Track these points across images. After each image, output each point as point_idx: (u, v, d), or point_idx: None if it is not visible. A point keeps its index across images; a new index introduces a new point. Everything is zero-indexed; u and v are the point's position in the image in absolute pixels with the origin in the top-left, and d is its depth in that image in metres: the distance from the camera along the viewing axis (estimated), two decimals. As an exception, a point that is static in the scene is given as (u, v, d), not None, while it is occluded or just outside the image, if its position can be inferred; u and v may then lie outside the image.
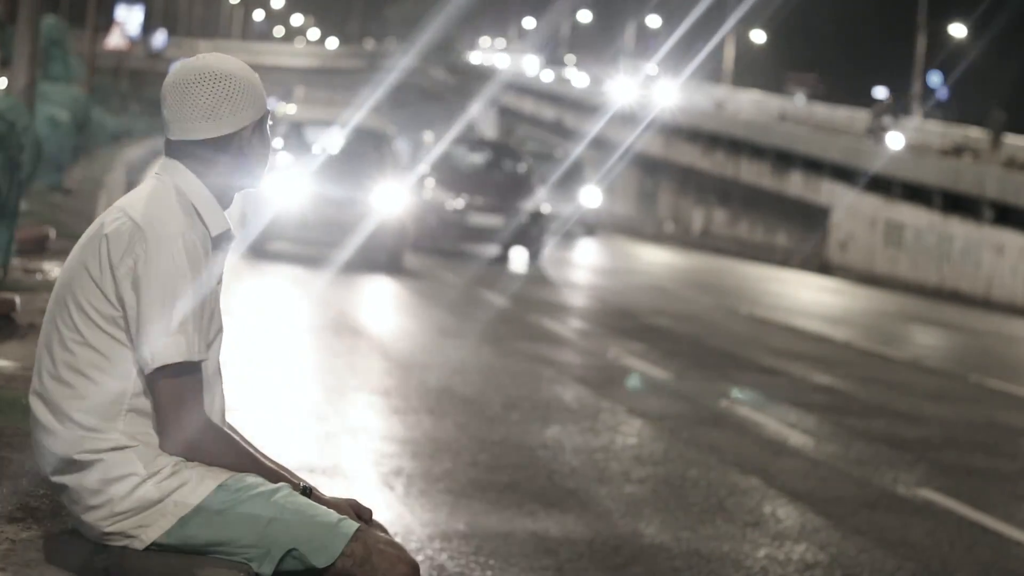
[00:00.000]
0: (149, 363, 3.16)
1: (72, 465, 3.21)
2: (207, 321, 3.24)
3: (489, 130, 73.93)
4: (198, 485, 3.20)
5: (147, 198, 3.26)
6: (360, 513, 3.35)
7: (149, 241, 3.16)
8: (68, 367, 3.22)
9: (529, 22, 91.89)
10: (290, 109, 24.31)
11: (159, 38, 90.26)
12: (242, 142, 3.30)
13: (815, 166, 41.90)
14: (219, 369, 3.38)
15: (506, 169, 28.53)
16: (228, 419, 3.48)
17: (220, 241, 3.31)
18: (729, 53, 65.83)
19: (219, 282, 3.33)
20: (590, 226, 38.20)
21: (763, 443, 10.36)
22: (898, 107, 43.38)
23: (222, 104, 3.27)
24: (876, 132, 40.77)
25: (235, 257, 15.68)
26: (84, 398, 3.20)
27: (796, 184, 43.09)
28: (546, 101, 64.82)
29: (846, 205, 39.93)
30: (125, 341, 3.20)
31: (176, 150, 3.31)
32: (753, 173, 45.71)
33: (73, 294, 3.23)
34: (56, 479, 3.26)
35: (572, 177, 36.98)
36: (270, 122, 3.38)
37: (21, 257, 10.48)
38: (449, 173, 27.48)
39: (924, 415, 12.64)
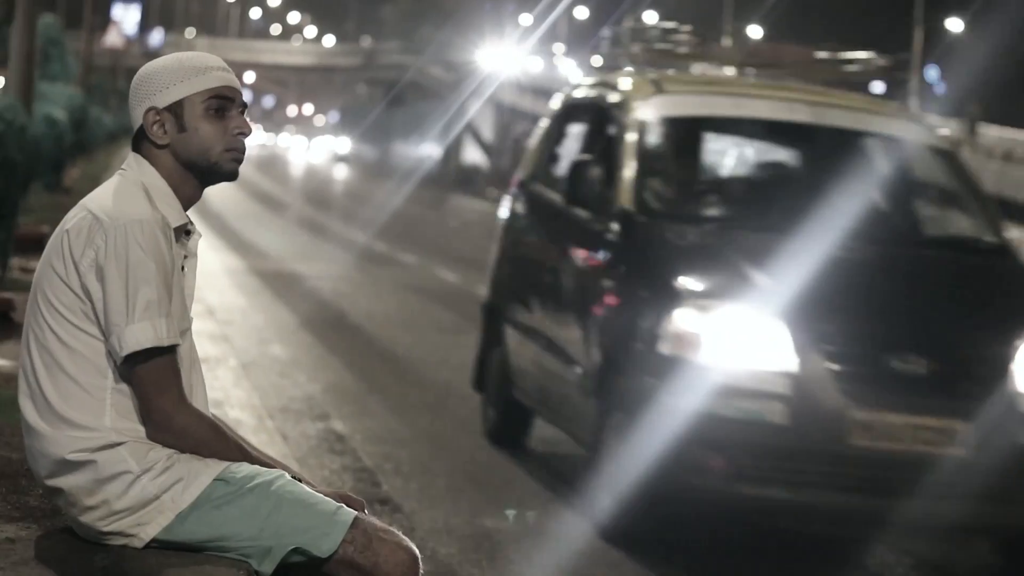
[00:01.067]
0: (119, 351, 3.17)
1: (65, 467, 3.21)
2: (177, 308, 3.25)
3: (486, 128, 73.83)
4: (195, 480, 3.20)
5: (106, 191, 3.31)
6: (352, 505, 3.35)
7: (108, 231, 3.18)
8: (47, 367, 3.23)
9: (526, 19, 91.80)
10: (671, 99, 8.26)
11: (156, 36, 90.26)
12: (150, 127, 3.32)
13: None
14: (197, 362, 3.39)
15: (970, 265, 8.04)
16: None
17: (179, 234, 3.33)
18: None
19: (183, 271, 3.34)
20: None
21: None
22: None
23: (133, 94, 3.36)
24: None
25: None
26: (67, 397, 3.21)
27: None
28: (544, 97, 64.77)
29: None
30: (97, 334, 3.21)
31: (133, 144, 3.39)
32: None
33: (44, 294, 3.26)
34: (50, 482, 3.26)
35: None
36: (212, 109, 3.33)
37: (19, 256, 10.49)
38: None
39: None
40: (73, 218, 3.27)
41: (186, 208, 3.36)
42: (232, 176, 3.39)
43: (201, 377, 3.39)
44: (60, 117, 18.36)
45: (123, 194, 3.26)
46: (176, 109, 3.32)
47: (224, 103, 3.34)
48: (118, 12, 67.95)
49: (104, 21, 53.01)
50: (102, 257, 3.18)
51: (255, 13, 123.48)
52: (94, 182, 20.61)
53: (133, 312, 3.16)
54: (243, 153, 3.39)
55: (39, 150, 11.68)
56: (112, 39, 46.98)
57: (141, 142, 3.35)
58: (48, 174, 17.61)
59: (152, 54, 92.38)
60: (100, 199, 3.27)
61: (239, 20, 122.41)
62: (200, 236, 3.44)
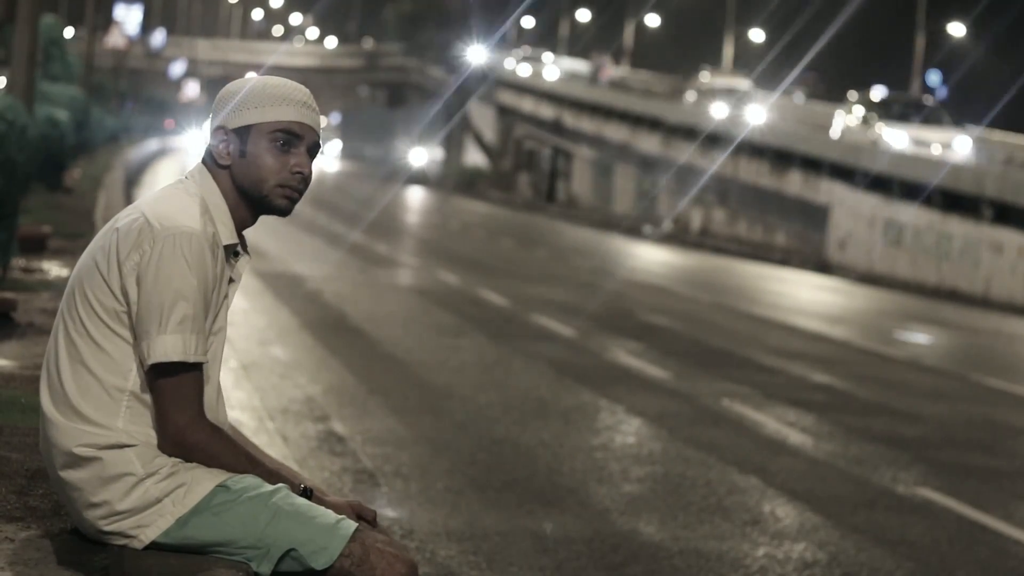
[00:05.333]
0: (146, 359, 3.17)
1: (72, 460, 3.22)
2: (210, 324, 3.25)
3: (487, 130, 73.87)
4: (196, 486, 3.21)
5: (163, 197, 3.30)
6: (363, 514, 3.35)
7: (157, 238, 3.18)
8: (71, 358, 3.24)
9: (528, 21, 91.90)
10: None
11: (158, 37, 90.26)
12: (216, 144, 3.33)
13: (814, 165, 41.90)
14: (218, 375, 3.39)
15: None
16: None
17: (227, 253, 3.32)
18: (728, 52, 65.85)
19: (226, 295, 3.34)
20: None
21: (762, 442, 10.37)
22: None
23: (214, 108, 3.36)
24: None
25: None
26: (85, 391, 3.22)
27: (795, 183, 43.10)
28: (545, 100, 64.72)
29: (845, 204, 39.93)
30: (127, 337, 3.21)
31: (203, 155, 3.39)
32: (752, 172, 45.72)
33: (82, 286, 3.26)
34: (58, 473, 3.27)
35: None
36: (278, 142, 3.31)
37: (20, 257, 10.48)
38: None
39: (923, 414, 12.64)
40: (125, 218, 3.26)
41: (239, 230, 3.35)
42: (282, 212, 3.36)
43: (220, 387, 3.41)
44: (62, 117, 18.35)
45: (179, 204, 3.25)
46: (243, 133, 3.31)
47: (291, 139, 3.32)
48: (120, 12, 68.00)
49: (106, 21, 53.02)
50: (146, 263, 3.18)
51: (257, 14, 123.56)
52: (95, 183, 20.63)
53: (167, 323, 3.16)
54: (299, 192, 3.35)
55: (40, 150, 11.67)
56: (114, 39, 46.95)
57: (207, 155, 3.35)
58: (49, 175, 17.60)
59: (154, 55, 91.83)
60: (155, 204, 3.26)
61: (241, 21, 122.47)
62: (249, 258, 3.42)
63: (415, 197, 55.36)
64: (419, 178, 67.63)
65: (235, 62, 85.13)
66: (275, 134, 3.31)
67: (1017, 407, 14.26)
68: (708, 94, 51.64)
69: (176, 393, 3.19)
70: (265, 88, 3.33)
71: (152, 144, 40.19)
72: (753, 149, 45.53)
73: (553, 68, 67.92)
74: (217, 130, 3.33)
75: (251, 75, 3.43)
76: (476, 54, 65.91)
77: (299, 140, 3.33)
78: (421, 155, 70.96)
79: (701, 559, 6.98)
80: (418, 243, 28.86)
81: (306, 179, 3.35)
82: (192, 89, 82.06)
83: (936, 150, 36.89)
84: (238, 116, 3.31)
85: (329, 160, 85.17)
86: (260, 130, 3.31)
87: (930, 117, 39.54)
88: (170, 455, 3.21)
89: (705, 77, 56.35)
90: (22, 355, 6.60)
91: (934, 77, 60.89)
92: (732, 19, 65.48)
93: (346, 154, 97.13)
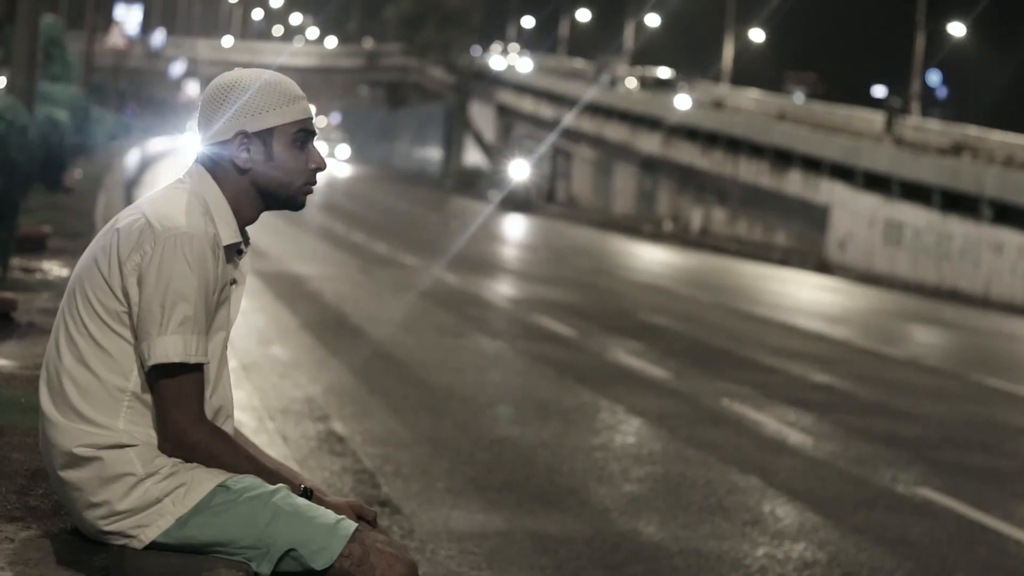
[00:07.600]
0: (147, 360, 3.17)
1: (72, 460, 3.22)
2: (211, 325, 3.25)
3: (487, 129, 73.89)
4: (196, 486, 3.21)
5: (163, 198, 3.29)
6: (363, 515, 3.35)
7: (158, 239, 3.18)
8: (72, 358, 3.24)
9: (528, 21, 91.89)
10: None
11: (158, 37, 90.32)
12: (237, 149, 3.30)
13: (814, 165, 41.90)
14: (228, 373, 3.40)
15: None
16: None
17: (231, 252, 3.32)
18: (728, 52, 65.86)
19: (233, 287, 3.33)
20: None
21: (762, 442, 10.37)
22: None
23: (217, 107, 3.31)
24: None
25: None
26: (86, 391, 3.22)
27: (795, 183, 43.09)
28: (544, 100, 64.68)
29: (845, 204, 39.91)
30: (128, 337, 3.21)
31: (200, 156, 3.36)
32: (752, 172, 45.70)
33: (82, 287, 3.26)
34: (58, 473, 3.27)
35: None
36: (298, 141, 3.31)
37: (20, 256, 10.48)
38: None
39: (923, 414, 12.64)
40: (126, 218, 3.25)
41: (241, 228, 3.35)
42: (301, 207, 3.39)
43: (229, 384, 3.40)
44: (62, 117, 18.34)
45: (180, 205, 3.24)
46: (265, 136, 3.30)
47: (308, 136, 3.34)
48: (120, 12, 68.07)
49: (106, 21, 53.04)
50: (147, 264, 3.17)
51: (257, 14, 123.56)
52: (95, 183, 20.62)
53: (167, 324, 3.15)
54: (314, 187, 3.39)
55: (40, 150, 11.67)
56: (114, 39, 46.97)
57: (215, 158, 3.32)
58: (49, 174, 17.59)
59: (154, 55, 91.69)
60: (156, 205, 3.25)
61: (241, 21, 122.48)
62: (248, 255, 3.42)
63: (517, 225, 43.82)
64: (521, 201, 52.61)
65: (235, 62, 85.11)
66: (297, 134, 3.32)
67: (1017, 407, 14.27)
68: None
69: (177, 393, 3.19)
70: (273, 87, 3.32)
71: (135, 155, 37.54)
72: (753, 148, 45.17)
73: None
74: (237, 135, 3.30)
75: (238, 71, 3.40)
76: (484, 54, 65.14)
77: (311, 136, 3.36)
78: (523, 169, 54.37)
79: (701, 559, 6.99)
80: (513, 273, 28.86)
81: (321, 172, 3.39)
82: (192, 89, 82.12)
83: None
84: (259, 119, 3.29)
85: (341, 165, 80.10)
86: (284, 132, 3.31)
87: None
88: (170, 455, 3.22)
89: None
90: (22, 355, 6.59)
91: (934, 77, 60.91)
92: (732, 19, 65.47)
93: (354, 157, 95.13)
